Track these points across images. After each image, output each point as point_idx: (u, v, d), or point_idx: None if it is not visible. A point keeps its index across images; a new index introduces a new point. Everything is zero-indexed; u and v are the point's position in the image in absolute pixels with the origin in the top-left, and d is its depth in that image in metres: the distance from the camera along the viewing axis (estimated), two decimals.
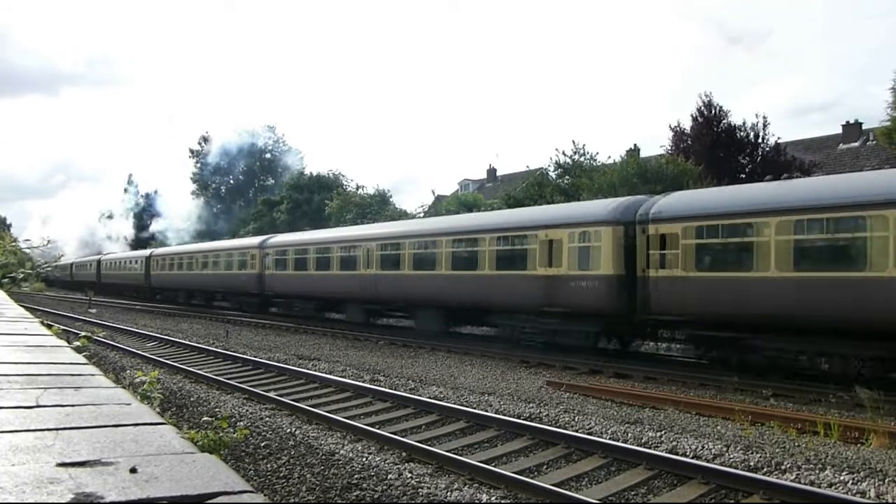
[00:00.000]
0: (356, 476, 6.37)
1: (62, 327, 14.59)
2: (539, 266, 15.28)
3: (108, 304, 37.45)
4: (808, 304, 10.86)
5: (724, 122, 28.18)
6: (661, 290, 13.04)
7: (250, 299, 29.45)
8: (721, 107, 28.36)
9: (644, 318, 13.62)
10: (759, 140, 28.00)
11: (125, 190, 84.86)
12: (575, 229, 14.72)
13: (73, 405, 2.62)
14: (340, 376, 12.29)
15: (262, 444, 7.56)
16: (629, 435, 7.94)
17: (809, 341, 11.21)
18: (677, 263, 12.77)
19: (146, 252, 44.15)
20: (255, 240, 30.94)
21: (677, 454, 7.11)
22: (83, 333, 8.75)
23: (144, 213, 77.48)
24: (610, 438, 7.74)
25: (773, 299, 11.28)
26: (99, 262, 52.99)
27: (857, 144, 33.92)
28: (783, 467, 6.65)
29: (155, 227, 70.69)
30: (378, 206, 41.95)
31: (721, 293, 12.14)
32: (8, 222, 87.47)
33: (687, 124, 29.02)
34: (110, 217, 77.40)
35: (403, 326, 21.89)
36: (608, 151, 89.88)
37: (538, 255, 15.34)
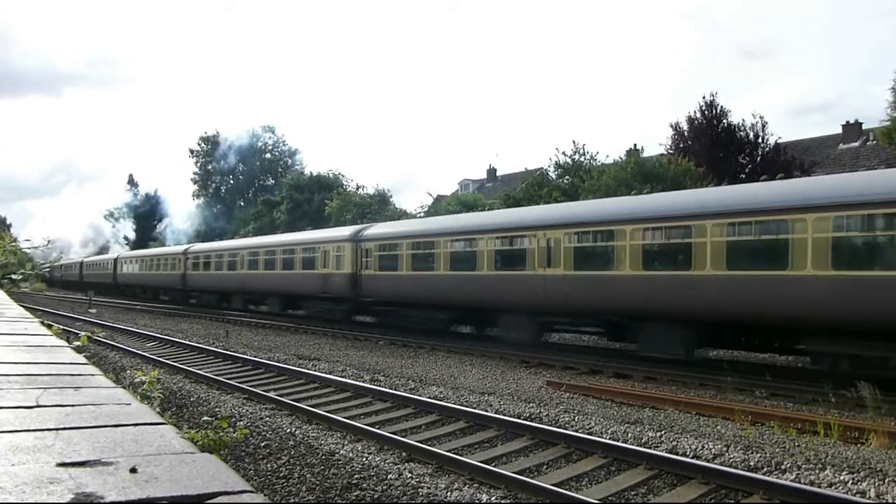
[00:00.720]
0: (356, 476, 6.37)
1: (62, 327, 14.59)
2: (321, 267, 23.47)
3: (108, 304, 37.48)
4: (419, 290, 18.79)
5: (723, 121, 28.13)
6: (366, 283, 21.18)
7: (178, 293, 37.53)
8: (721, 106, 28.34)
9: (361, 299, 21.59)
10: (759, 140, 27.96)
11: (136, 188, 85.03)
12: (335, 244, 22.93)
13: (73, 405, 2.62)
14: (340, 376, 12.29)
15: (262, 444, 7.56)
16: (629, 435, 7.94)
17: (427, 312, 18.95)
18: (372, 266, 20.97)
19: (114, 255, 53.46)
20: (180, 248, 39.73)
21: (677, 454, 7.11)
22: (83, 333, 8.74)
23: (147, 215, 77.58)
24: (610, 438, 7.73)
25: (408, 288, 19.39)
26: (81, 263, 61.02)
27: (857, 144, 33.84)
28: (783, 467, 6.65)
29: (157, 227, 71.10)
30: (378, 206, 41.81)
31: (389, 284, 20.26)
32: (8, 222, 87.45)
33: (686, 124, 28.98)
34: (113, 216, 77.89)
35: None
36: (608, 151, 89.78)
37: (320, 260, 23.60)
